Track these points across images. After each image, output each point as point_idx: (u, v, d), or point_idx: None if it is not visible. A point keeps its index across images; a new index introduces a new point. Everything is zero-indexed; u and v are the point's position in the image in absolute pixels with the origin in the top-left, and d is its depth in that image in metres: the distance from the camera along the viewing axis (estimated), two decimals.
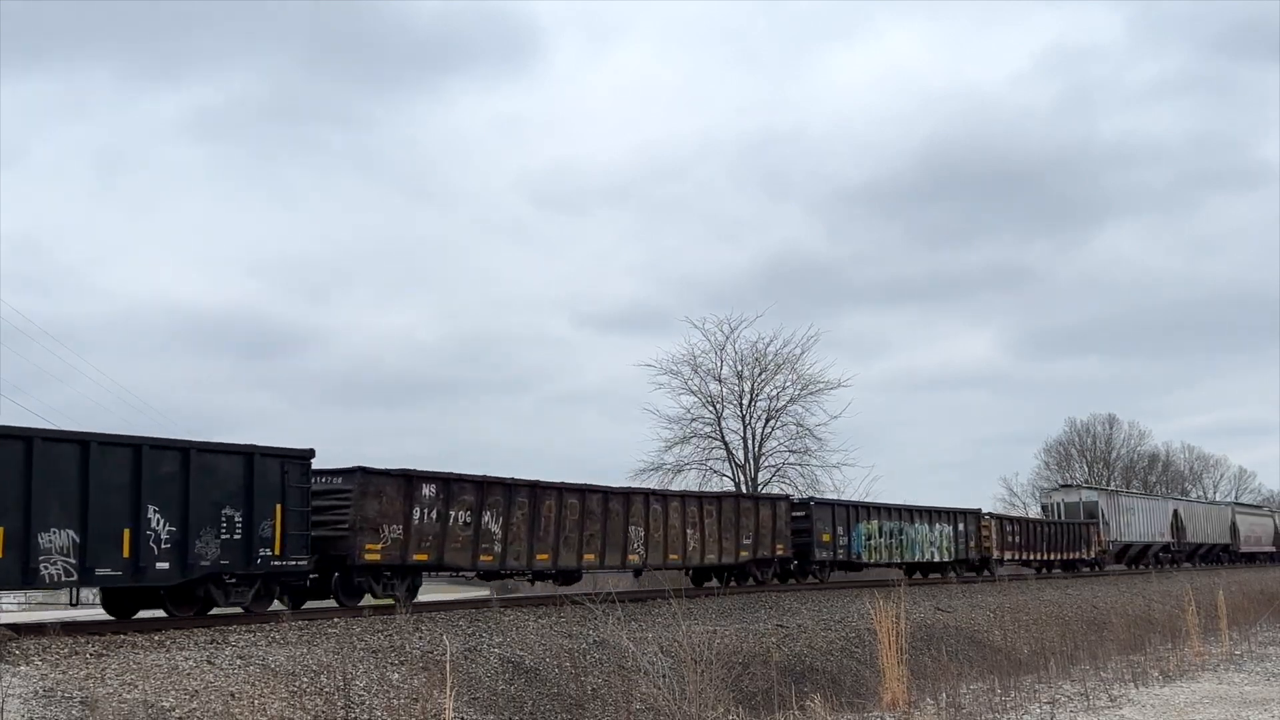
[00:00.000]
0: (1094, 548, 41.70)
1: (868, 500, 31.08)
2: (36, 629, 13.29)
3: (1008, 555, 35.96)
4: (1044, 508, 43.61)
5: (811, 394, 44.09)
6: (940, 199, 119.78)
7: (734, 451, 42.64)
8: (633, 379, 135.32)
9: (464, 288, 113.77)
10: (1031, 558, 37.90)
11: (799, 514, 27.01)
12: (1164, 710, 13.75)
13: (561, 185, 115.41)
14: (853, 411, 78.82)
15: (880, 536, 29.27)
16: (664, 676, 12.98)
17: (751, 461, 42.71)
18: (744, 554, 24.06)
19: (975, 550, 34.01)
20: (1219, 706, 13.93)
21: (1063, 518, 42.42)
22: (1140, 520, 46.83)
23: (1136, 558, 47.60)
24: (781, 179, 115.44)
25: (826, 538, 27.16)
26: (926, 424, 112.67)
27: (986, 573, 34.25)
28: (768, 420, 44.45)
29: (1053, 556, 39.33)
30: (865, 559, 28.67)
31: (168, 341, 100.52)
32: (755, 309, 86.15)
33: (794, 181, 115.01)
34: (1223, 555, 55.49)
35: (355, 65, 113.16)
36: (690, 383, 44.03)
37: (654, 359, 60.82)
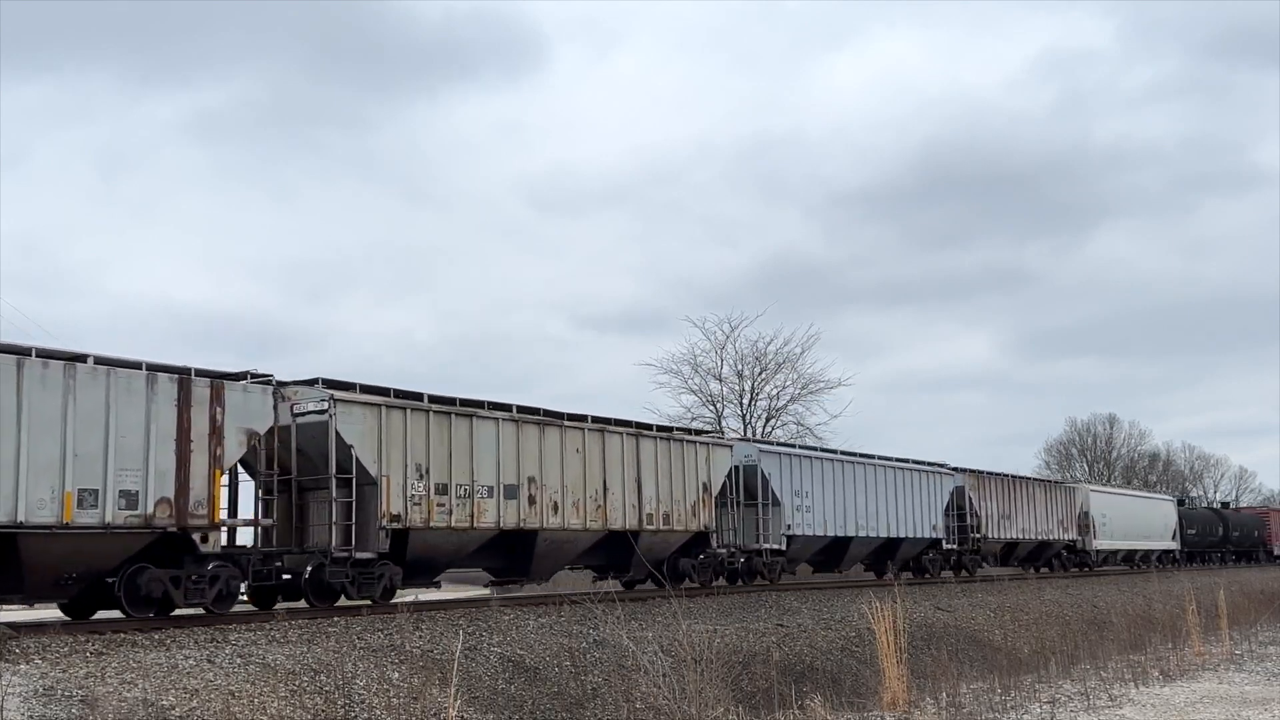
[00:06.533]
0: None
1: None
2: (37, 627, 13.31)
3: None
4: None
5: (812, 393, 44.15)
6: (936, 202, 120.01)
7: None
8: (633, 379, 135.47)
9: (463, 289, 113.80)
10: None
11: None
12: (1164, 710, 13.74)
13: (560, 188, 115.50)
14: (852, 411, 78.97)
15: None
16: (664, 675, 12.94)
17: None
18: None
19: None
20: (1219, 706, 13.92)
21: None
22: None
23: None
24: (779, 182, 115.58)
25: None
26: (926, 424, 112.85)
27: None
28: (768, 419, 44.58)
29: None
30: None
31: (169, 342, 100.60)
32: (754, 311, 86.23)
33: (791, 184, 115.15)
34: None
35: (357, 69, 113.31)
36: (691, 382, 44.07)
37: (654, 359, 60.89)
